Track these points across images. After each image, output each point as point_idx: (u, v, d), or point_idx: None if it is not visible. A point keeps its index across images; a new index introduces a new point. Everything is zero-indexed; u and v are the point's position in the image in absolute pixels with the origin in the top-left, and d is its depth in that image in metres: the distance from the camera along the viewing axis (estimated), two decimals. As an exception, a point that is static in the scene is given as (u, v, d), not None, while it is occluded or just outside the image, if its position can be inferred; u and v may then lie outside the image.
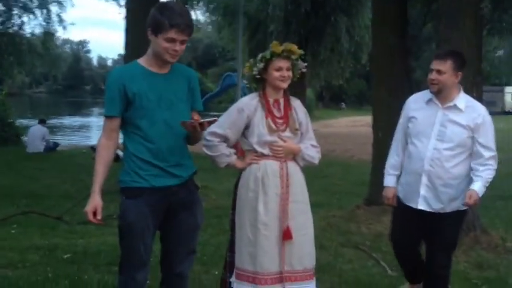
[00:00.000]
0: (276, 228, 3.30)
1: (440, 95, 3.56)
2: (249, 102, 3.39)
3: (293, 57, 3.37)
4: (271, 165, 3.35)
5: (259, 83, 3.44)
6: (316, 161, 3.53)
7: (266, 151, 3.35)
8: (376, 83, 7.54)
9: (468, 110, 3.56)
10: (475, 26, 5.81)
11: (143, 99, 2.82)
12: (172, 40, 2.78)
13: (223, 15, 18.89)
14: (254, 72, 3.37)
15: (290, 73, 3.37)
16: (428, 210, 3.58)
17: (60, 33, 46.50)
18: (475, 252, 5.53)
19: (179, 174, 2.94)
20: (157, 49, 2.83)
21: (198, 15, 18.90)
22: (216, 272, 4.31)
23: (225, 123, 3.33)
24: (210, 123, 2.93)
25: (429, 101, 3.63)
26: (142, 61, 2.93)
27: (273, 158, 3.36)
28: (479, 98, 5.89)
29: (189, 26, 2.81)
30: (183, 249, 3.05)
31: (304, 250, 3.38)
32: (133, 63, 2.95)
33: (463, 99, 3.59)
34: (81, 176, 10.28)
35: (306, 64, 3.52)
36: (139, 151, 2.85)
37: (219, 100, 32.28)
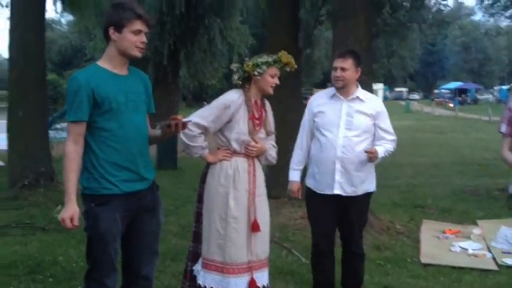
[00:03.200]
0: (244, 221, 3.52)
1: (344, 89, 3.88)
2: (235, 100, 3.54)
3: (287, 69, 3.61)
4: (242, 163, 3.56)
5: (246, 82, 3.60)
6: (275, 161, 3.81)
7: (239, 148, 3.55)
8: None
9: (368, 100, 3.95)
10: (366, 29, 6.39)
11: (112, 102, 2.83)
12: (139, 32, 2.85)
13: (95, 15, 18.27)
14: (255, 73, 3.51)
15: None
16: (343, 194, 3.87)
17: None
18: (370, 235, 6.05)
19: (147, 176, 3.00)
20: (123, 46, 2.85)
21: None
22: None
23: (209, 117, 3.47)
24: (188, 123, 3.03)
25: (333, 96, 3.95)
26: (103, 64, 2.92)
27: (242, 155, 3.57)
28: (369, 96, 6.55)
29: (150, 17, 2.92)
30: (147, 251, 3.07)
31: (265, 239, 3.64)
32: (94, 66, 2.93)
33: (361, 92, 3.98)
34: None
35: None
36: (109, 155, 2.84)
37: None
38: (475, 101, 54.33)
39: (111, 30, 2.85)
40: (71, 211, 2.78)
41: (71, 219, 2.77)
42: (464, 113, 39.40)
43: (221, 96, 3.63)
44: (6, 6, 10.42)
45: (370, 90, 6.62)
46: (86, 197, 2.90)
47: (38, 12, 8.92)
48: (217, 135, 3.63)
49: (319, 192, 3.95)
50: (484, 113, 33.57)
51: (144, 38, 2.88)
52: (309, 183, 4.03)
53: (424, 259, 5.44)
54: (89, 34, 25.32)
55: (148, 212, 3.04)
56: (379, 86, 49.25)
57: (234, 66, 3.69)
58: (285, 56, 3.58)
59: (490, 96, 59.87)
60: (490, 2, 9.26)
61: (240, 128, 3.54)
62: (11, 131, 8.72)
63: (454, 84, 60.99)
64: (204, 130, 3.53)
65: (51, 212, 6.69)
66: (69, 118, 2.84)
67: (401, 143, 18.54)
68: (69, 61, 55.47)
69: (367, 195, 4.04)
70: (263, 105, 3.70)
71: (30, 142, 8.47)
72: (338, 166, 3.84)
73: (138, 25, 2.84)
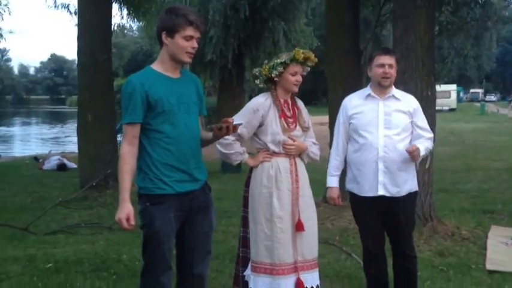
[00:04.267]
0: (289, 221, 3.53)
1: (385, 88, 3.80)
2: (263, 103, 3.58)
3: (308, 64, 3.60)
4: (283, 163, 3.57)
5: (271, 84, 3.63)
6: (318, 158, 3.80)
7: (278, 149, 3.57)
8: (332, 84, 7.89)
9: (404, 98, 3.87)
10: (427, 27, 6.21)
11: (165, 104, 2.92)
12: (190, 38, 2.92)
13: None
14: (273, 75, 3.55)
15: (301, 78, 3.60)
16: (387, 195, 3.76)
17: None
18: (434, 241, 5.91)
19: (199, 177, 3.07)
20: (174, 51, 2.94)
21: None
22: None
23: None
24: (238, 126, 3.05)
25: (368, 96, 3.85)
26: (156, 67, 3.02)
27: (283, 155, 3.58)
28: (432, 97, 6.36)
29: (202, 22, 2.97)
30: (200, 251, 3.13)
31: (312, 240, 3.64)
32: (147, 70, 3.04)
33: (396, 90, 3.88)
34: (32, 187, 10.08)
35: (309, 69, 3.73)
36: (163, 156, 2.93)
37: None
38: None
39: (163, 35, 2.95)
40: (126, 210, 2.87)
41: (127, 219, 2.86)
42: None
43: (249, 102, 3.68)
44: (75, 14, 10.88)
45: (433, 90, 6.45)
46: (142, 197, 3.00)
47: (105, 19, 9.30)
48: (254, 140, 3.65)
49: (363, 195, 3.85)
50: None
51: (195, 44, 2.95)
52: (352, 187, 3.93)
53: (489, 266, 5.22)
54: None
55: (201, 213, 3.10)
56: (451, 87, 47.79)
57: (255, 70, 3.72)
58: (299, 53, 3.54)
59: None
60: None
61: (274, 129, 3.55)
62: (80, 134, 9.14)
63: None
64: (238, 137, 3.55)
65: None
66: (124, 120, 2.94)
67: (474, 146, 18.01)
68: (141, 66, 57.20)
69: (412, 195, 3.91)
70: (294, 103, 3.71)
71: (99, 145, 8.85)
72: (381, 166, 3.74)
73: (189, 31, 2.91)
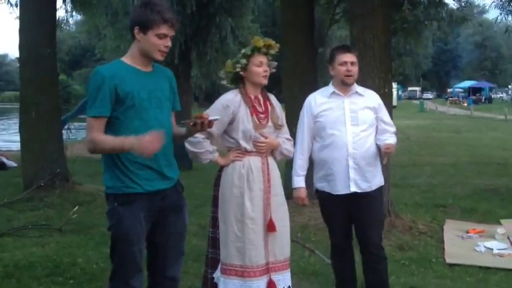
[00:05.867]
0: (261, 222, 3.40)
1: (348, 86, 3.78)
2: (233, 98, 3.44)
3: (271, 52, 3.45)
4: (254, 161, 3.44)
5: (238, 82, 3.48)
6: (292, 155, 3.68)
7: (250, 147, 3.42)
8: (287, 81, 7.83)
9: (366, 94, 3.88)
10: (384, 26, 6.27)
11: (135, 98, 2.75)
12: (164, 36, 2.77)
13: (106, 15, 18.21)
14: (237, 70, 3.41)
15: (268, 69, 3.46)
16: (358, 191, 3.73)
17: None
18: (393, 235, 5.96)
19: (170, 175, 2.92)
20: (146, 47, 2.78)
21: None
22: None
23: None
24: (214, 121, 2.91)
25: (332, 94, 3.82)
26: (127, 60, 2.85)
27: (255, 153, 3.45)
28: (389, 94, 6.43)
29: (177, 21, 2.82)
30: (173, 252, 2.99)
31: (284, 240, 3.51)
32: (117, 62, 2.85)
33: (359, 87, 3.88)
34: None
35: (276, 64, 3.60)
36: (132, 153, 2.72)
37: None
38: (489, 100, 53.85)
39: (136, 30, 2.78)
40: (139, 138, 2.62)
41: (149, 139, 2.60)
42: (480, 112, 39.03)
43: (218, 99, 3.52)
44: (16, 6, 10.26)
45: (390, 88, 6.52)
46: (109, 196, 2.82)
47: (50, 12, 8.84)
48: (224, 138, 3.51)
49: (335, 193, 3.79)
50: (499, 111, 33.24)
51: (168, 42, 2.80)
52: (322, 186, 3.85)
53: (449, 259, 5.32)
54: (99, 34, 25.18)
55: (174, 212, 2.95)
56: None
57: (221, 73, 3.60)
58: (258, 41, 3.41)
59: (504, 95, 59.34)
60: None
61: (245, 126, 3.42)
62: (23, 132, 8.67)
63: (467, 83, 60.51)
64: (208, 135, 3.39)
65: (68, 213, 6.65)
66: (90, 113, 2.73)
67: (418, 142, 18.58)
68: (79, 61, 55.55)
69: (380, 190, 3.91)
70: (267, 98, 3.58)
71: (45, 143, 8.40)
72: (351, 163, 3.71)
73: (164, 29, 2.76)
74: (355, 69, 3.76)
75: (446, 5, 8.84)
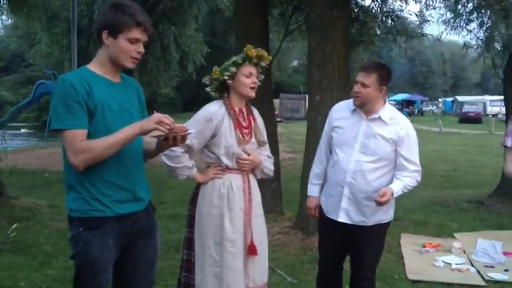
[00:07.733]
0: (241, 245, 3.15)
1: (363, 108, 3.39)
2: (216, 111, 3.16)
3: (262, 64, 3.23)
4: (235, 179, 3.18)
5: (223, 91, 3.23)
6: (272, 174, 3.45)
7: (231, 163, 3.16)
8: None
9: (392, 122, 3.40)
10: (343, 38, 6.20)
11: (106, 111, 2.45)
12: (136, 41, 2.48)
13: (42, 19, 17.45)
14: (225, 77, 3.15)
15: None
16: (349, 223, 3.39)
17: None
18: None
19: (143, 197, 2.61)
20: (115, 53, 2.48)
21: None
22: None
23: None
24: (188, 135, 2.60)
25: (354, 110, 3.44)
26: (94, 67, 2.53)
27: (236, 171, 3.19)
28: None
29: (151, 24, 2.54)
30: (143, 280, 2.69)
31: (263, 264, 3.28)
32: (84, 70, 2.53)
33: (388, 112, 3.42)
34: None
35: (263, 76, 3.36)
36: (100, 171, 2.43)
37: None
38: (422, 113, 55.77)
39: (104, 34, 2.47)
40: (151, 118, 2.42)
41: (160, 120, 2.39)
42: (415, 124, 39.95)
43: (200, 111, 3.24)
44: None
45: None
46: (73, 221, 2.49)
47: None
48: (204, 153, 3.23)
49: (326, 215, 3.51)
50: (433, 124, 34.30)
51: (141, 48, 2.51)
52: (322, 201, 3.58)
53: (411, 276, 5.25)
54: (31, 39, 24.09)
55: (144, 237, 2.65)
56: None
57: (205, 79, 3.30)
58: (250, 50, 3.18)
59: (434, 108, 61.63)
60: (451, 16, 9.26)
61: (228, 141, 3.15)
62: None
63: (401, 96, 62.35)
64: (187, 148, 3.11)
65: (5, 230, 6.14)
66: (62, 125, 2.38)
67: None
68: (7, 67, 53.26)
69: (381, 226, 3.47)
70: (250, 112, 3.33)
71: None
72: (346, 192, 3.36)
73: (136, 33, 2.47)
74: (364, 92, 3.31)
75: (405, 18, 8.95)
